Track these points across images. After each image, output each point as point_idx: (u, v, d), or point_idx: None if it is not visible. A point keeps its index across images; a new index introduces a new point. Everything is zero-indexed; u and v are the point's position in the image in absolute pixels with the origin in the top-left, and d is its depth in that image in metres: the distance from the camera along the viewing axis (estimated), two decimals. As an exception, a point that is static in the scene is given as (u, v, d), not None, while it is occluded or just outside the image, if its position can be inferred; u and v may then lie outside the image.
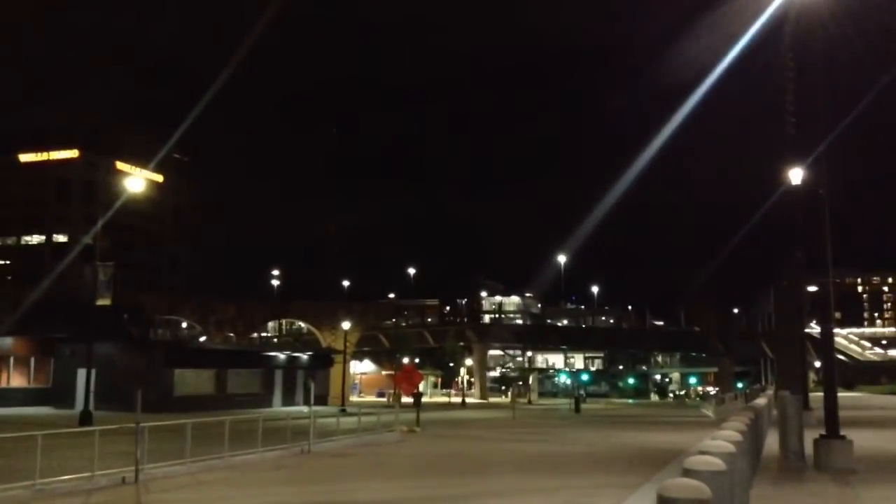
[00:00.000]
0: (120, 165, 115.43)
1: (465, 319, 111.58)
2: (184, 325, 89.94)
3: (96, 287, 36.36)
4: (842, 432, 16.18)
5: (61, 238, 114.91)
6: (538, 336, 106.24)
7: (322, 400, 52.99)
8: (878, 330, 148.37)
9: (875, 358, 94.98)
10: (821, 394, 18.13)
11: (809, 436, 17.05)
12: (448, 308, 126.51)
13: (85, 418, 31.42)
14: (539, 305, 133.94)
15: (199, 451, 17.58)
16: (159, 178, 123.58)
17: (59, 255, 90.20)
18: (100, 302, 36.67)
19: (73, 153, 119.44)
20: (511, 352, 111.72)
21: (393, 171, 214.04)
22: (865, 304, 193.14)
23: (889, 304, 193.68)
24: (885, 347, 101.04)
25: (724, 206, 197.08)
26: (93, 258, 38.97)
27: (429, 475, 18.24)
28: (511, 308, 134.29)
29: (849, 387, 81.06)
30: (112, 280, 38.82)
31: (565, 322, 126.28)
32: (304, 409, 35.52)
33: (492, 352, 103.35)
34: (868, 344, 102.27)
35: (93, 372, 34.13)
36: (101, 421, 24.62)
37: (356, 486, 16.30)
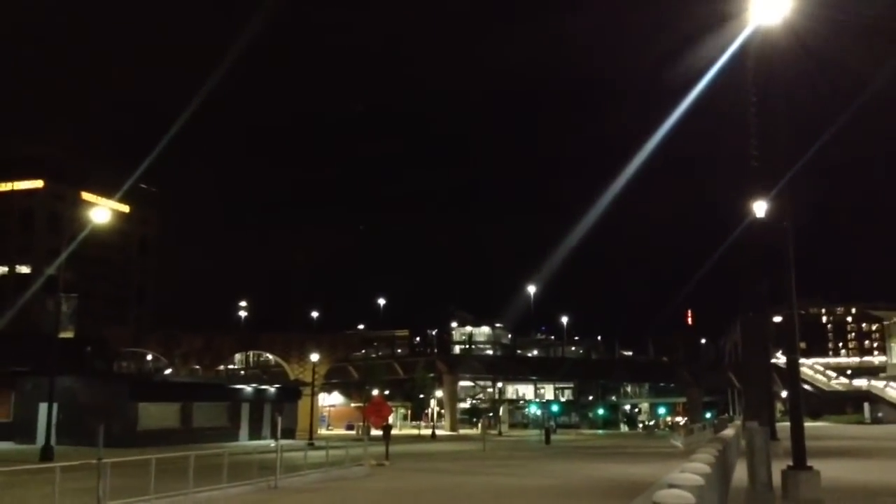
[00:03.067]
0: (86, 196, 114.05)
1: (436, 350, 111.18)
2: (149, 357, 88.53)
3: (59, 319, 35.78)
4: (809, 463, 16.28)
5: (24, 269, 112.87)
6: (508, 367, 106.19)
7: (290, 433, 52.33)
8: (843, 360, 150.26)
9: (840, 388, 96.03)
10: (788, 423, 18.25)
11: (777, 466, 17.13)
12: (418, 339, 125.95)
13: (46, 454, 30.73)
14: (509, 336, 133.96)
15: (163, 486, 17.21)
16: (126, 208, 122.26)
17: (22, 286, 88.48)
18: (63, 334, 36.14)
19: (37, 183, 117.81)
20: (481, 383, 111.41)
21: (361, 201, 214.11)
22: (830, 334, 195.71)
23: (853, 333, 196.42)
24: (849, 377, 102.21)
25: (693, 238, 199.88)
26: (56, 290, 38.37)
27: (398, 510, 18.02)
28: (481, 339, 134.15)
29: (815, 416, 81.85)
30: (75, 312, 38.31)
31: (535, 352, 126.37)
32: (272, 442, 35.03)
33: (462, 383, 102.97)
34: (833, 374, 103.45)
35: (55, 406, 33.45)
36: (63, 456, 24.05)
37: (324, 521, 16.05)
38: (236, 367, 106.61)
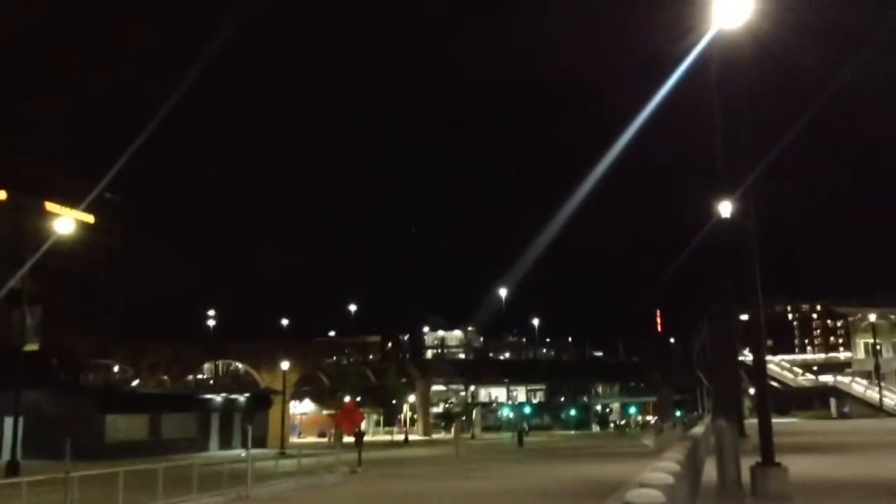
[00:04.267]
0: (49, 206, 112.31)
1: (408, 356, 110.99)
2: (116, 369, 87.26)
3: (24, 332, 35.19)
4: (777, 459, 16.50)
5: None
6: (481, 370, 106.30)
7: (261, 442, 51.92)
8: (809, 356, 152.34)
9: (807, 384, 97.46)
10: (756, 420, 18.48)
11: (746, 463, 17.33)
12: (390, 344, 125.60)
13: (12, 468, 30.21)
14: (481, 339, 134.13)
15: (132, 499, 17.00)
16: (90, 218, 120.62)
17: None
18: (27, 347, 35.53)
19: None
20: (454, 386, 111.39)
21: (333, 208, 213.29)
22: (796, 331, 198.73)
23: (819, 330, 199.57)
24: (816, 373, 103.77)
25: (661, 239, 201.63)
26: (20, 302, 37.75)
27: (371, 516, 17.96)
28: (453, 343, 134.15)
29: (783, 413, 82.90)
30: (40, 324, 37.70)
31: (507, 355, 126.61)
32: (242, 452, 34.75)
33: (435, 387, 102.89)
34: (800, 370, 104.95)
35: (20, 420, 32.90)
36: (30, 471, 23.64)
37: (297, 530, 15.95)
38: (205, 376, 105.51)
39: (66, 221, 39.80)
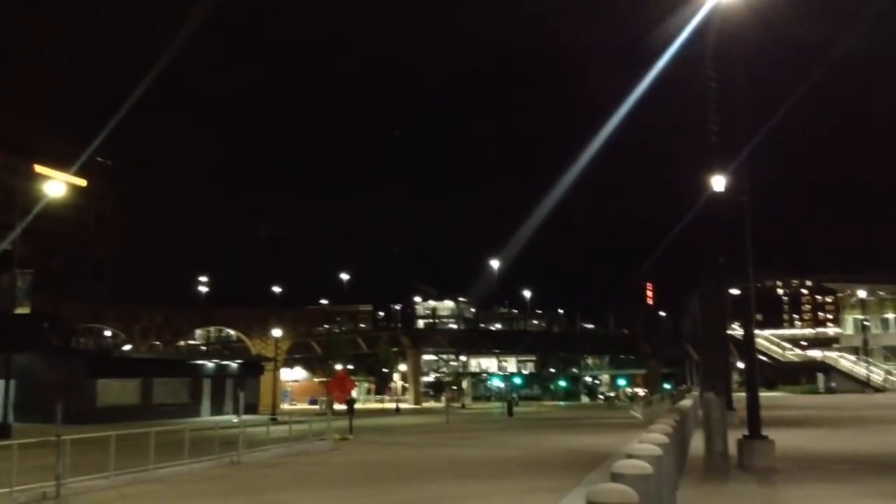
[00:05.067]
0: (39, 169, 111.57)
1: (399, 325, 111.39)
2: (107, 333, 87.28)
3: (14, 295, 35.12)
4: (764, 432, 16.66)
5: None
6: (472, 340, 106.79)
7: (252, 409, 52.16)
8: (798, 331, 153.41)
9: (795, 359, 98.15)
10: (744, 394, 18.65)
11: (733, 436, 17.51)
12: (382, 314, 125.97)
13: (3, 431, 30.35)
14: (473, 310, 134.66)
15: (123, 463, 17.09)
16: (82, 182, 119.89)
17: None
18: (18, 310, 35.50)
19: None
20: (445, 356, 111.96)
21: (325, 174, 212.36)
22: (785, 306, 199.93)
23: (808, 305, 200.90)
24: (804, 348, 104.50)
25: (653, 212, 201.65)
26: (11, 266, 37.63)
27: (360, 484, 18.12)
28: (445, 313, 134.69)
29: (770, 387, 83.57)
30: (31, 288, 37.65)
31: (498, 326, 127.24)
32: (234, 418, 34.92)
33: (426, 357, 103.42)
34: (788, 345, 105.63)
35: (11, 383, 32.97)
36: (21, 434, 23.74)
37: (286, 496, 16.09)
38: (197, 342, 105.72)
39: (56, 184, 39.51)
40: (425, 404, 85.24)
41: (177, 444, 19.79)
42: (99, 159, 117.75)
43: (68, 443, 15.52)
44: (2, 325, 34.23)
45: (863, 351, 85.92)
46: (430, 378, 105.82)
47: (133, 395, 47.72)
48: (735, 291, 34.06)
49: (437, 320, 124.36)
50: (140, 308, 70.66)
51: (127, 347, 71.47)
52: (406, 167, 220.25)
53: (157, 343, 69.94)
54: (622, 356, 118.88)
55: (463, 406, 78.56)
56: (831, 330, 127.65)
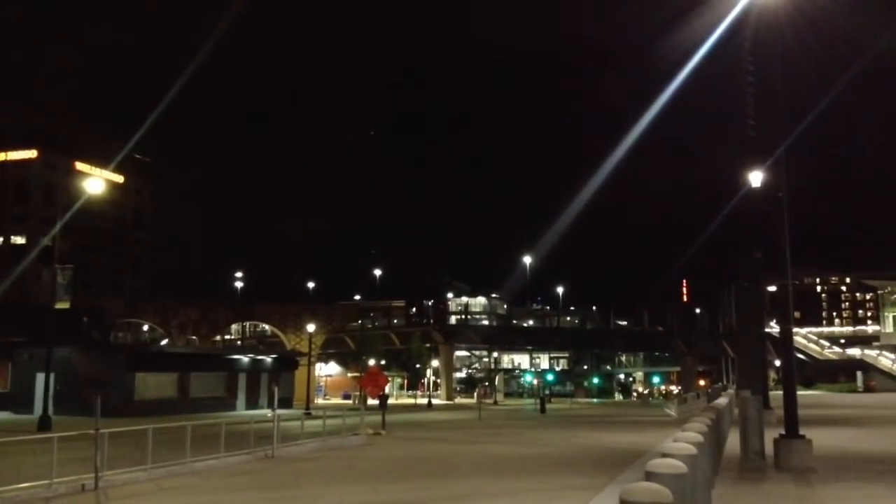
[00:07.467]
0: (79, 166, 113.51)
1: (432, 321, 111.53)
2: (145, 328, 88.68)
3: (55, 290, 35.76)
4: (801, 431, 16.42)
5: (19, 240, 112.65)
6: (504, 337, 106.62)
7: (286, 403, 52.63)
8: (837, 329, 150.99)
9: (833, 357, 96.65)
10: (781, 392, 18.38)
11: (770, 435, 17.27)
12: (414, 309, 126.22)
13: (43, 423, 30.87)
14: (505, 306, 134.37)
15: (160, 456, 17.32)
16: (120, 178, 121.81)
17: (17, 257, 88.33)
18: (58, 305, 36.10)
19: (31, 153, 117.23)
20: (477, 353, 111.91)
21: (359, 171, 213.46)
22: (824, 303, 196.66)
23: (847, 303, 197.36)
24: (843, 346, 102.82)
25: (690, 208, 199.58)
26: (51, 261, 38.33)
27: (394, 479, 18.18)
28: (477, 309, 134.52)
29: (808, 385, 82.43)
30: (71, 283, 38.25)
31: (531, 323, 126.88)
32: (268, 412, 35.26)
33: (458, 353, 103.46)
34: (827, 343, 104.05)
35: (52, 376, 33.56)
36: (61, 426, 24.19)
37: (320, 491, 16.18)
38: (232, 337, 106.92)
39: (96, 181, 40.13)
40: (458, 400, 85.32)
41: (213, 437, 20.01)
42: (137, 156, 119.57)
43: (107, 436, 15.76)
44: (42, 319, 34.87)
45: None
46: (463, 374, 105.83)
47: (170, 389, 48.34)
48: (772, 288, 33.60)
49: (469, 316, 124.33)
50: (177, 303, 71.63)
51: (164, 342, 72.47)
52: (437, 163, 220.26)
53: (194, 338, 70.83)
54: (656, 353, 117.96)
55: (495, 402, 78.50)
56: (871, 328, 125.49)
